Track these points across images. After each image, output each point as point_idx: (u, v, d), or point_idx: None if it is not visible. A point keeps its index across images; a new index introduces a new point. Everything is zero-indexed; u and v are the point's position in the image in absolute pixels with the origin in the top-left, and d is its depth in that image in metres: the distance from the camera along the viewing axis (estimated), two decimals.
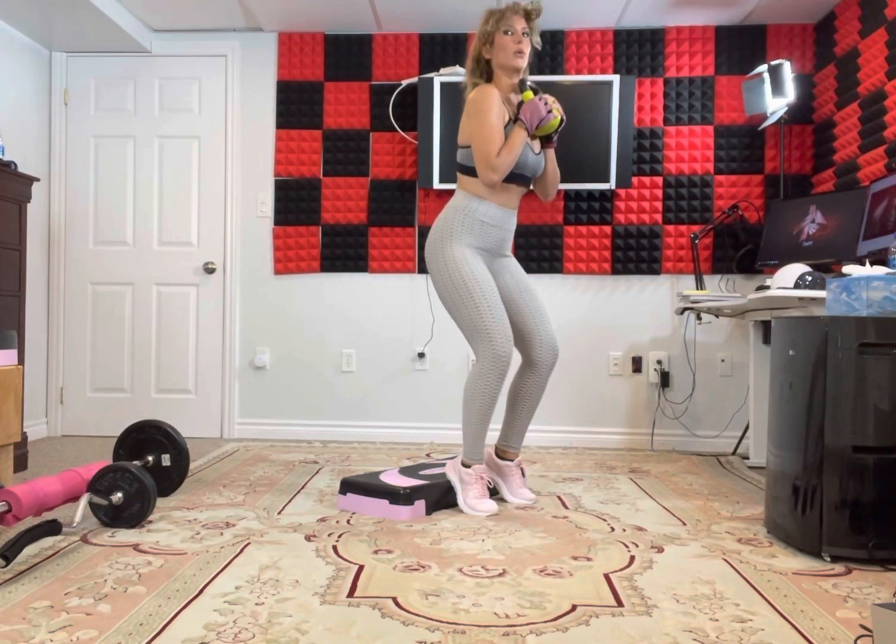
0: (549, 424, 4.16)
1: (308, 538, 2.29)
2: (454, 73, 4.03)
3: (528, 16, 2.70)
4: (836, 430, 2.09)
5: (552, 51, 4.13)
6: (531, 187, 2.86)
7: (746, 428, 3.81)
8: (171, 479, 2.81)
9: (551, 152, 2.82)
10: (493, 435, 2.94)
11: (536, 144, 2.77)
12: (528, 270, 4.15)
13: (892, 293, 2.13)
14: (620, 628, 1.63)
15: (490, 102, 2.62)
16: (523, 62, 2.69)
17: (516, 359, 2.89)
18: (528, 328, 2.79)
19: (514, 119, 2.67)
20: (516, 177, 2.70)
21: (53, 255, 4.31)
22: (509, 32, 2.66)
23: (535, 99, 2.63)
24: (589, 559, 2.11)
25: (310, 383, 4.27)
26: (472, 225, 2.68)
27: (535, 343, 2.79)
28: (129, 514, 2.37)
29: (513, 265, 2.86)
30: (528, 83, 2.68)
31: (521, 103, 2.67)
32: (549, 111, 2.63)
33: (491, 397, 2.62)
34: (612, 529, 2.43)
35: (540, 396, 2.83)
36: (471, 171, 2.70)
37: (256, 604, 1.75)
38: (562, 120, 2.68)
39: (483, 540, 2.28)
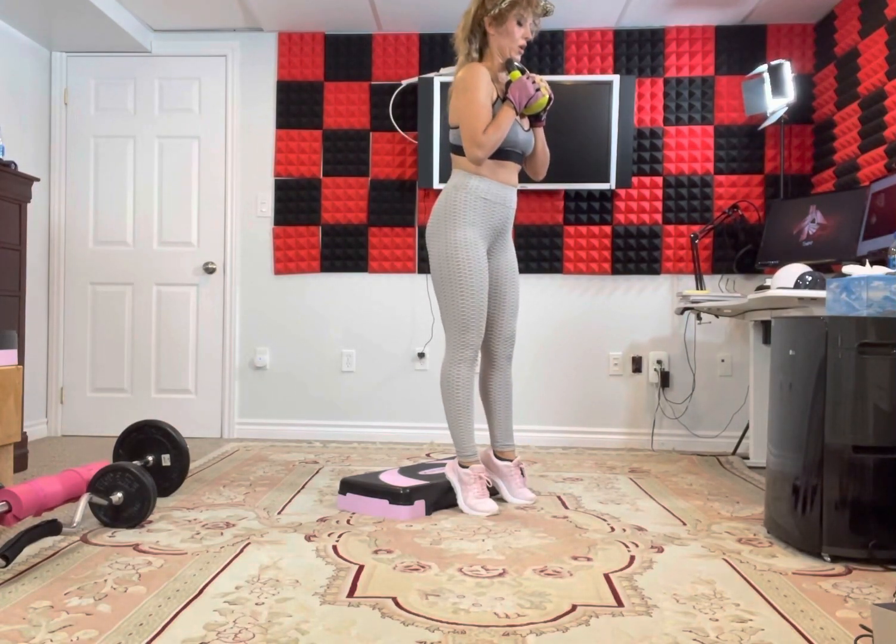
0: (549, 424, 4.16)
1: (308, 538, 2.29)
2: (454, 74, 4.02)
3: (545, 13, 2.71)
4: (836, 430, 2.09)
5: (552, 51, 4.13)
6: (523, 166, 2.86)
7: (746, 428, 3.81)
8: (171, 479, 2.81)
9: (540, 131, 2.82)
10: (485, 435, 2.92)
11: (525, 122, 2.77)
12: (528, 270, 4.14)
13: (892, 293, 2.13)
14: (620, 628, 1.63)
15: (478, 80, 2.62)
16: (519, 55, 2.71)
17: None
18: (494, 317, 2.80)
19: (503, 98, 2.67)
20: (509, 154, 2.71)
21: (53, 255, 4.31)
22: (521, 24, 2.66)
23: (522, 77, 2.63)
24: (589, 559, 2.11)
25: (310, 383, 4.27)
26: (476, 203, 2.67)
27: (496, 333, 2.81)
28: (129, 514, 2.37)
29: (510, 253, 2.86)
30: (516, 63, 2.69)
31: (509, 82, 2.67)
32: (538, 90, 2.63)
33: (466, 386, 2.66)
34: (612, 529, 2.43)
35: (509, 388, 2.85)
36: (463, 151, 2.70)
37: (256, 604, 1.75)
38: (550, 98, 2.68)
39: (483, 540, 2.28)
